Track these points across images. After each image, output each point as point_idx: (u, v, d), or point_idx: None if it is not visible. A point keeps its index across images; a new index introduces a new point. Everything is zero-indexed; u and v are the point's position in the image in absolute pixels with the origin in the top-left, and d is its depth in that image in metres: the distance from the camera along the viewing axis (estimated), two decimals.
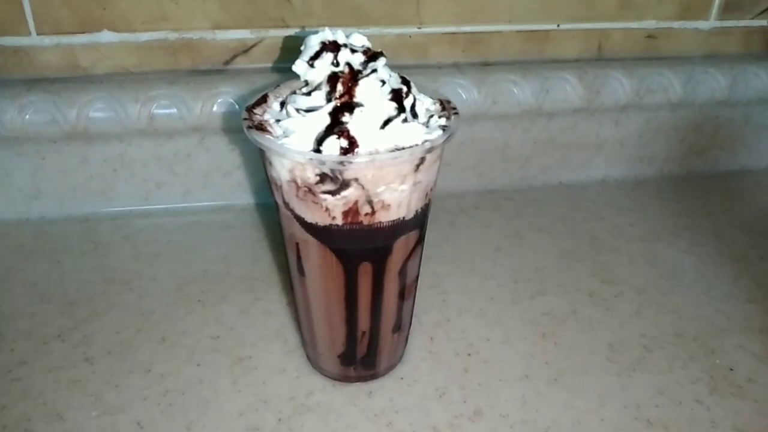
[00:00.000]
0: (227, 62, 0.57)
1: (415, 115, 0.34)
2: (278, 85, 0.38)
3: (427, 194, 0.35)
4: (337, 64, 0.33)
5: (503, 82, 0.59)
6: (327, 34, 0.34)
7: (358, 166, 0.31)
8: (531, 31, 0.61)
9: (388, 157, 0.31)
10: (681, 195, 0.65)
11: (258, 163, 0.56)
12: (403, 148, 0.32)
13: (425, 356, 0.44)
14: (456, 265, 0.53)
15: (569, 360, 0.44)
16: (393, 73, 0.35)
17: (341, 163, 0.31)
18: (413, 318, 0.43)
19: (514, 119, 0.61)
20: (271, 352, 0.43)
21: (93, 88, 0.53)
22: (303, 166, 0.32)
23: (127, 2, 0.53)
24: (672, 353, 0.45)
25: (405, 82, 0.35)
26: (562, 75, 0.60)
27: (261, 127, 0.34)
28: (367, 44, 0.35)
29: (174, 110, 0.54)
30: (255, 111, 0.35)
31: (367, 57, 0.34)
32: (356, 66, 0.33)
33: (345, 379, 0.41)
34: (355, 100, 0.32)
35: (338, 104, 0.32)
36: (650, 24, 0.63)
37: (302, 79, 0.35)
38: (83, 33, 0.53)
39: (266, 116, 0.35)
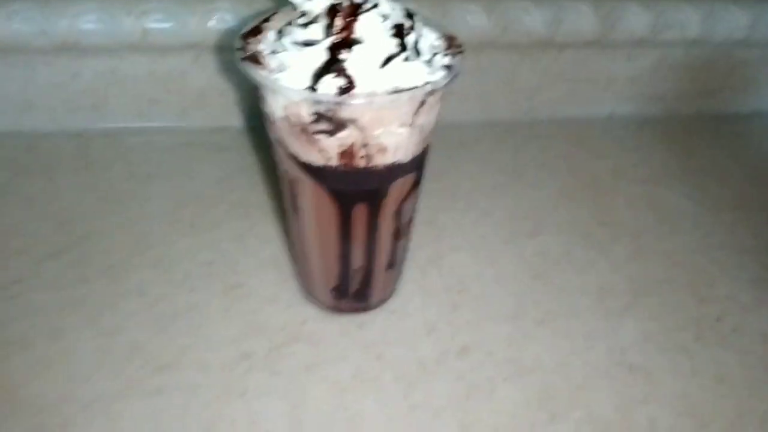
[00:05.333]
0: None
1: (418, 53, 0.33)
2: (275, 12, 0.36)
3: (425, 137, 0.34)
4: None
5: (515, 9, 0.56)
6: None
7: (354, 107, 0.30)
8: None
9: (387, 99, 0.30)
10: (688, 136, 0.64)
11: None
12: (404, 89, 0.31)
13: (417, 291, 0.44)
14: (453, 201, 0.52)
15: (558, 302, 0.44)
16: (397, 5, 0.33)
17: (337, 103, 0.30)
18: (407, 253, 0.43)
19: (523, 49, 0.59)
20: (263, 281, 0.44)
21: None
22: (297, 105, 0.31)
23: None
24: (661, 300, 0.45)
25: (409, 15, 0.33)
26: (576, 5, 0.57)
27: (255, 59, 0.32)
28: None
29: (168, 25, 0.52)
30: (249, 40, 0.34)
31: None
32: None
33: (337, 310, 0.41)
34: (355, 36, 0.31)
35: (336, 40, 0.30)
36: None
37: (299, 9, 0.33)
38: None
39: (261, 46, 0.33)
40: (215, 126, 0.58)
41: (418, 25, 0.34)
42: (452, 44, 0.35)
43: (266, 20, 0.36)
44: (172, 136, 0.57)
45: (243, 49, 0.33)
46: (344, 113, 0.30)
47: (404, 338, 0.41)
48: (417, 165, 0.36)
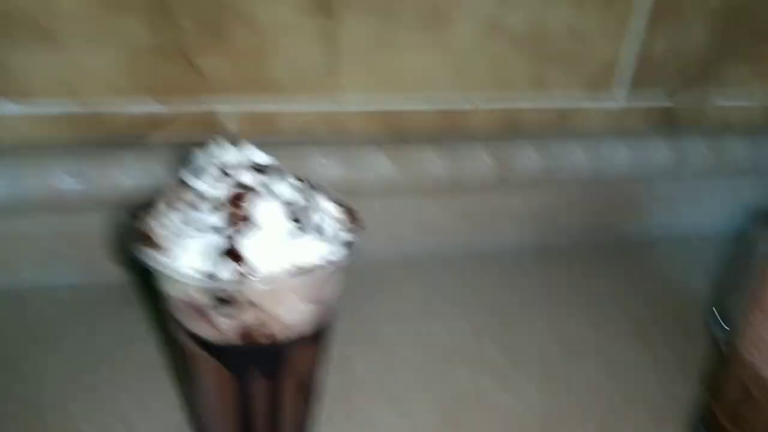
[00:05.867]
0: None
1: (317, 230, 0.34)
2: (172, 185, 0.37)
3: (329, 308, 0.35)
4: (233, 182, 0.33)
5: (419, 160, 0.60)
6: (219, 154, 0.33)
7: (253, 290, 0.31)
8: (447, 110, 0.62)
9: (285, 283, 0.31)
10: (589, 265, 0.67)
11: None
12: (303, 271, 0.32)
13: None
14: (369, 346, 0.53)
15: None
16: (295, 183, 0.35)
17: (234, 288, 0.30)
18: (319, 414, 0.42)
19: (430, 193, 0.62)
20: None
21: None
22: (193, 288, 0.31)
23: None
24: None
25: (309, 188, 0.35)
26: (475, 154, 0.62)
27: (148, 240, 0.33)
28: (264, 160, 0.34)
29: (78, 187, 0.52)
30: (143, 218, 0.34)
31: (265, 174, 0.33)
32: (252, 185, 0.32)
33: None
34: (252, 220, 0.32)
35: (233, 226, 0.31)
36: (561, 103, 0.66)
37: (193, 191, 0.34)
38: None
39: (155, 226, 0.34)
40: (124, 279, 0.57)
41: (317, 201, 0.35)
42: (352, 218, 0.36)
43: (161, 195, 0.36)
44: (77, 292, 0.55)
45: (136, 229, 0.33)
46: (242, 296, 0.31)
47: None
48: (322, 335, 0.36)
